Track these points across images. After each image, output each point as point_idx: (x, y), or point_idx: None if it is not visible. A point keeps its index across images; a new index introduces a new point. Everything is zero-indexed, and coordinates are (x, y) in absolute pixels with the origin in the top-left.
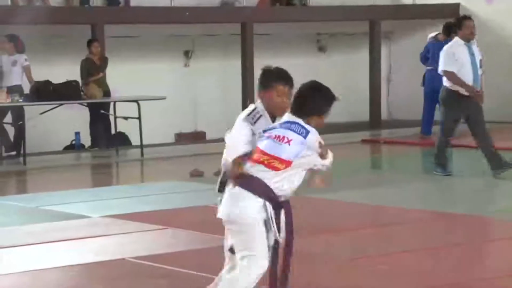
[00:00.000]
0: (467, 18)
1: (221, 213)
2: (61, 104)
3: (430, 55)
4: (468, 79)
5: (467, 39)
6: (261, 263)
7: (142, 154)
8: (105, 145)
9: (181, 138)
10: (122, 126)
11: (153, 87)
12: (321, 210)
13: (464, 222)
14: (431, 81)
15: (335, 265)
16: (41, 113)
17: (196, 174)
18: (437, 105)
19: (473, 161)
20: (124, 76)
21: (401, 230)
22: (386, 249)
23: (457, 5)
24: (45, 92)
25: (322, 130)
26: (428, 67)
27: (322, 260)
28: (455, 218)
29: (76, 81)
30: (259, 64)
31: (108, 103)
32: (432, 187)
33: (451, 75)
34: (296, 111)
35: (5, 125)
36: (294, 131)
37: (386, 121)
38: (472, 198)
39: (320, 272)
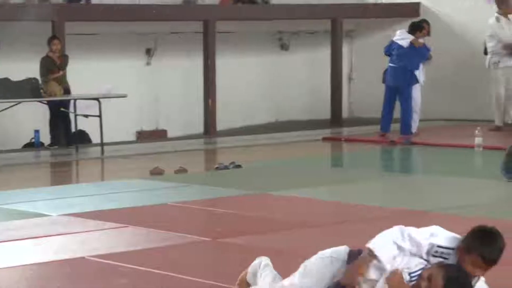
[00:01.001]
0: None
1: None
2: (20, 102)
3: (394, 52)
4: None
5: None
6: None
7: (102, 152)
8: (65, 143)
9: (142, 136)
10: (82, 124)
11: (114, 85)
12: (284, 207)
13: (425, 219)
14: (393, 79)
15: (300, 262)
16: (0, 111)
17: (157, 172)
18: (396, 102)
19: (435, 158)
20: (84, 74)
21: (362, 227)
22: (348, 245)
23: (418, 5)
24: (4, 89)
25: (283, 127)
26: (390, 64)
27: (287, 257)
28: (416, 215)
29: (35, 79)
30: (221, 62)
31: (68, 101)
32: (393, 184)
33: None
34: None
35: None
36: None
37: (347, 119)
38: (433, 195)
39: (285, 268)
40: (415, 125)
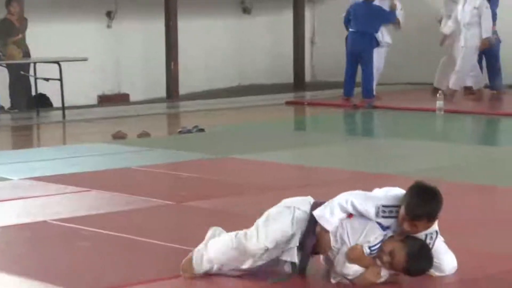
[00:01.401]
0: None
1: None
2: None
3: (352, 17)
4: None
5: None
6: None
7: (64, 116)
8: (26, 107)
9: (104, 100)
10: (43, 88)
11: (75, 49)
12: (247, 171)
13: (387, 182)
14: (353, 43)
15: None
16: None
17: (119, 136)
18: (359, 67)
19: (396, 122)
20: (44, 37)
21: (325, 190)
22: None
23: None
24: None
25: (246, 91)
26: (350, 29)
27: (251, 220)
28: (378, 179)
29: None
30: (184, 25)
31: (28, 64)
32: (355, 148)
33: None
34: None
35: None
36: None
37: (310, 83)
38: (395, 158)
39: None
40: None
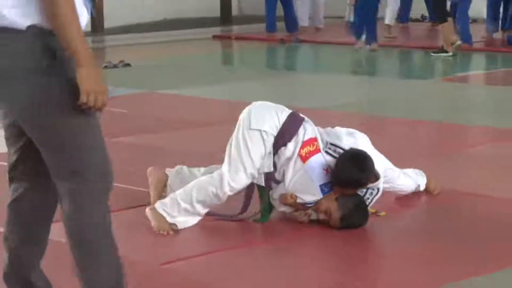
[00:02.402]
0: None
1: None
2: None
3: None
4: None
5: None
6: None
7: None
8: None
9: None
10: None
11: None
12: (174, 106)
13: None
14: None
15: (196, 161)
16: None
17: None
18: (278, 1)
19: (321, 56)
20: None
21: None
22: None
23: None
24: None
25: (173, 25)
26: None
27: (181, 154)
28: (303, 112)
29: None
30: None
31: None
32: (281, 82)
33: None
34: None
35: None
36: None
37: (237, 17)
38: (320, 93)
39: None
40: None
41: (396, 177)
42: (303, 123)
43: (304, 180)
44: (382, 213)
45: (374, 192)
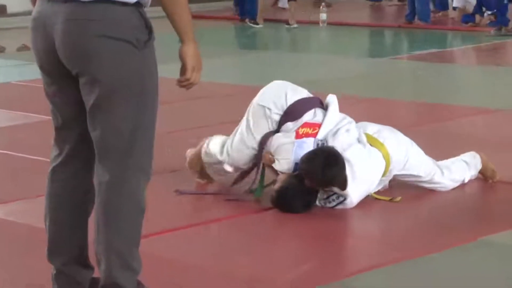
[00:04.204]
0: None
1: None
2: None
3: None
4: None
5: None
6: None
7: None
8: None
9: None
10: None
11: None
12: None
13: None
14: None
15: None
16: None
17: None
18: None
19: (284, 35)
20: None
21: (211, 103)
22: (197, 122)
23: None
24: None
25: None
26: None
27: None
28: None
29: None
30: None
31: None
32: (246, 61)
33: None
34: None
35: None
36: None
37: None
38: (284, 71)
39: None
40: None
41: (437, 176)
42: (315, 109)
43: (287, 151)
44: (398, 198)
45: (340, 199)
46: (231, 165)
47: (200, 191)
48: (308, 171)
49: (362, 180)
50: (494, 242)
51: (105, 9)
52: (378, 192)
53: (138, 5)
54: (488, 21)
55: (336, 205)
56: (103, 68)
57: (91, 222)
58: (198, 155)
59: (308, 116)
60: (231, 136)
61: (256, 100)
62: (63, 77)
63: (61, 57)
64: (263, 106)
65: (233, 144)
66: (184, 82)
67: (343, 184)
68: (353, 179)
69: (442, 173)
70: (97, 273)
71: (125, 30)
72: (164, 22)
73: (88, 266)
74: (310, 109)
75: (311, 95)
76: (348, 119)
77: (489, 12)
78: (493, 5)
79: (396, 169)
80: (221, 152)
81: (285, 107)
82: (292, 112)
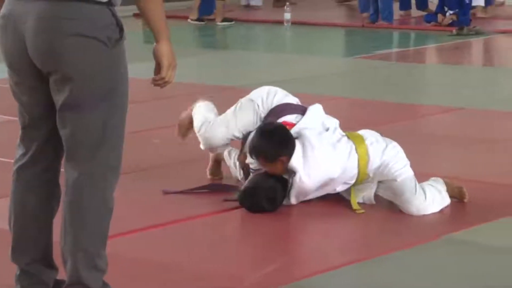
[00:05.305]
0: None
1: None
2: None
3: None
4: None
5: None
6: None
7: None
8: None
9: None
10: None
11: None
12: None
13: (236, 94)
14: None
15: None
16: None
17: None
18: None
19: (247, 35)
20: None
21: (175, 102)
22: (160, 123)
23: None
24: None
25: None
26: None
27: None
28: (225, 90)
29: None
30: None
31: None
32: (205, 60)
33: None
34: None
35: None
36: None
37: None
38: (248, 71)
39: None
40: None
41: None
42: (299, 115)
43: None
44: (361, 211)
45: (292, 176)
46: (204, 144)
47: (186, 190)
48: (250, 147)
49: (314, 162)
50: (456, 239)
51: (77, 7)
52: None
53: (109, 3)
54: (450, 21)
55: (291, 187)
56: (74, 66)
57: (56, 222)
58: (190, 118)
59: (288, 118)
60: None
61: (246, 96)
62: (33, 76)
63: (31, 55)
64: (253, 101)
65: (214, 123)
66: (159, 81)
67: (285, 151)
68: (304, 156)
69: (425, 198)
70: (62, 273)
71: (97, 28)
72: (129, 21)
73: (52, 266)
74: (293, 113)
75: (300, 104)
76: (332, 120)
77: (451, 12)
78: (454, 4)
79: (378, 175)
80: (199, 129)
81: (270, 107)
82: (275, 111)
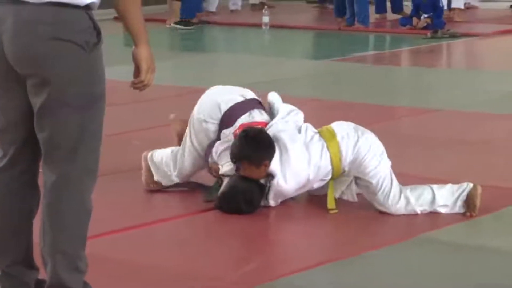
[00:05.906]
0: None
1: None
2: None
3: None
4: None
5: None
6: None
7: None
8: None
9: None
10: None
11: None
12: None
13: None
14: None
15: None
16: None
17: None
18: None
19: (227, 37)
20: None
21: (155, 105)
22: (140, 125)
23: None
24: None
25: None
26: None
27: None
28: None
29: None
30: None
31: None
32: (183, 63)
33: None
34: None
35: None
36: None
37: None
38: (227, 72)
39: None
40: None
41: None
42: (250, 111)
43: (227, 155)
44: (335, 211)
45: (270, 179)
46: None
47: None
48: (232, 153)
49: (289, 166)
50: (433, 239)
51: (55, 11)
52: (340, 199)
53: (87, 7)
54: (425, 24)
55: (269, 190)
56: (52, 70)
57: (36, 223)
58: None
59: (243, 120)
60: (179, 154)
61: (195, 111)
62: (10, 80)
63: (9, 59)
64: (200, 120)
65: (177, 163)
66: (138, 84)
67: (265, 157)
68: (280, 160)
69: (408, 202)
70: (43, 274)
71: (75, 32)
72: (109, 25)
73: (33, 267)
74: (244, 113)
75: (247, 97)
76: (296, 111)
77: (426, 15)
78: (429, 8)
79: (354, 170)
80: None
81: (220, 116)
82: (227, 119)
